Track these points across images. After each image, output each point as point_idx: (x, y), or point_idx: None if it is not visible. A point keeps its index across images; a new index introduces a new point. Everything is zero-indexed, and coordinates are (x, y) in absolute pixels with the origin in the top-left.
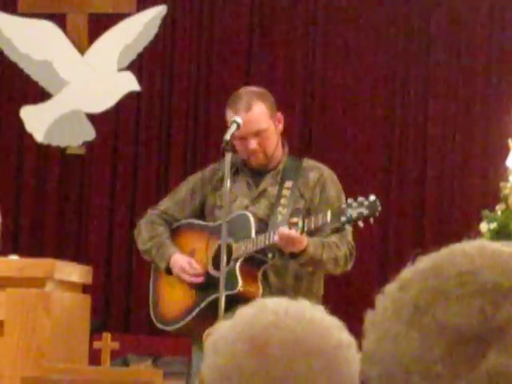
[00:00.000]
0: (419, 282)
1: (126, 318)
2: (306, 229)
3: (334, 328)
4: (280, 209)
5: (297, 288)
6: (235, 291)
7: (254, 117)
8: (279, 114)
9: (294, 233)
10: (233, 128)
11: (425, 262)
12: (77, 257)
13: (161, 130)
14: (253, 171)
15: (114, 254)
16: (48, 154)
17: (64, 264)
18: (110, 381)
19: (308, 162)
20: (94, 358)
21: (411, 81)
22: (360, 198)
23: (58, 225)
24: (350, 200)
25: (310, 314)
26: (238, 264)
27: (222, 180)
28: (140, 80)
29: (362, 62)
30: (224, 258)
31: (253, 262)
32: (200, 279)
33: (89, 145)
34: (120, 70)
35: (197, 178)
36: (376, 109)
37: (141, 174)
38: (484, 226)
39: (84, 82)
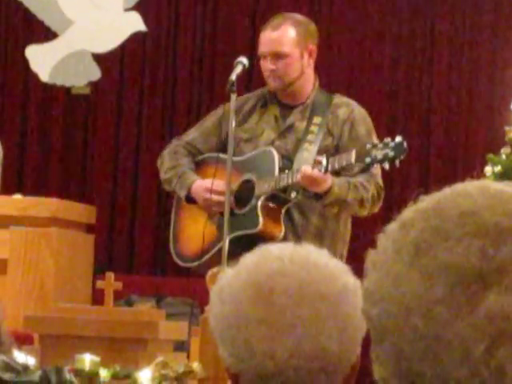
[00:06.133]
0: (420, 221)
1: (130, 259)
2: (329, 168)
3: (339, 272)
4: (307, 145)
5: (322, 228)
6: (256, 230)
7: (278, 37)
8: (312, 47)
9: (316, 172)
10: (238, 69)
11: (427, 202)
12: (81, 196)
13: (166, 70)
14: (282, 104)
15: (119, 194)
16: (53, 93)
17: (68, 203)
18: (113, 321)
19: (340, 99)
20: (97, 298)
21: (417, 31)
22: (386, 139)
23: (62, 164)
24: (375, 141)
25: (314, 259)
26: (259, 202)
27: (250, 112)
28: (146, 20)
29: (367, 17)
30: (227, 202)
31: (276, 201)
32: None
33: (94, 84)
34: (126, 9)
35: (222, 110)
36: (382, 57)
37: (146, 113)
38: (489, 170)
39: (90, 22)
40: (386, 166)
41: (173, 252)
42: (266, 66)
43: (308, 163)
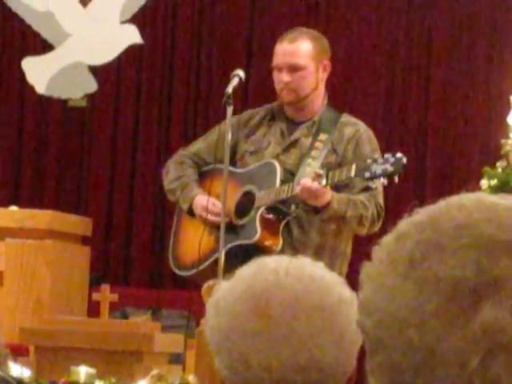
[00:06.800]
0: (415, 234)
1: (126, 271)
2: (329, 182)
3: (334, 284)
4: (310, 160)
5: (321, 245)
6: (252, 241)
7: (295, 50)
8: (326, 62)
9: (316, 185)
10: (234, 81)
11: (422, 214)
12: (77, 208)
13: (163, 83)
14: (289, 120)
15: (115, 206)
16: (49, 105)
17: (64, 215)
18: (109, 333)
19: (347, 118)
20: (93, 310)
21: (414, 43)
22: (386, 155)
23: (58, 176)
24: (376, 155)
25: (310, 272)
26: (258, 213)
27: (258, 125)
28: (142, 33)
29: (364, 16)
30: (223, 213)
31: (276, 213)
32: (216, 219)
33: (90, 97)
34: (123, 22)
35: (232, 121)
36: (378, 69)
37: (142, 126)
38: (484, 183)
39: (86, 34)
40: (385, 181)
41: (170, 260)
42: (281, 78)
43: (307, 177)
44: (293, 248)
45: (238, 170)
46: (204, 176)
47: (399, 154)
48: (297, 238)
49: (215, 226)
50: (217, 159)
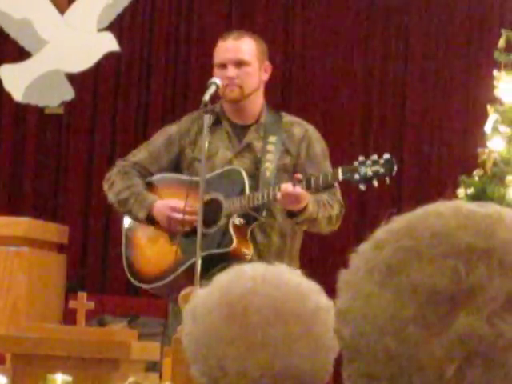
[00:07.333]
0: (393, 241)
1: (103, 278)
2: (312, 186)
3: (311, 292)
4: (267, 164)
5: (281, 247)
6: (229, 249)
7: (240, 46)
8: (268, 64)
9: (298, 190)
10: (211, 89)
11: (399, 222)
12: (54, 216)
13: (140, 90)
14: (233, 124)
15: (91, 213)
16: (26, 113)
17: (41, 223)
18: (85, 340)
19: (289, 117)
20: (70, 317)
21: (391, 50)
22: (373, 156)
23: (35, 184)
24: (361, 158)
25: (287, 279)
26: (231, 220)
27: (200, 132)
28: (120, 40)
29: (340, 17)
30: (201, 220)
31: (245, 220)
32: (194, 218)
33: (67, 105)
34: (100, 30)
35: (173, 129)
36: (355, 76)
37: (119, 134)
38: (461, 192)
39: (64, 42)
40: (376, 183)
41: (129, 273)
42: (225, 74)
43: (270, 182)
44: (257, 252)
45: (196, 178)
46: (150, 187)
47: (387, 155)
48: (261, 243)
49: (178, 235)
50: (161, 168)
